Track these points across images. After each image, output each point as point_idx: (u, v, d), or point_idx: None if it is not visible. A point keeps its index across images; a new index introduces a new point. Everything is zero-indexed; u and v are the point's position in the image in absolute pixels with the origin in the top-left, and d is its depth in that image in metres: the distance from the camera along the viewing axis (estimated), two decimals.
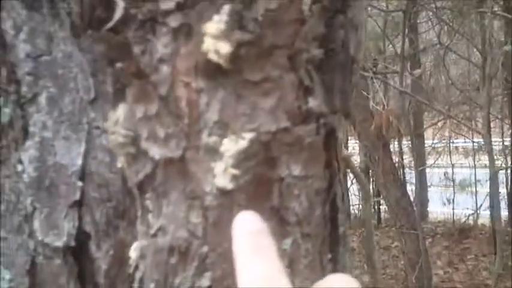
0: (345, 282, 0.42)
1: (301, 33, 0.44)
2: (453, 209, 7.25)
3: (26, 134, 0.55)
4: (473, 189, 7.15)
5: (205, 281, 0.47)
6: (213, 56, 0.41)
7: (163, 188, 0.46)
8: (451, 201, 7.21)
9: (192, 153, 0.44)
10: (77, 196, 0.54)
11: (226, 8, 0.41)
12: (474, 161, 7.15)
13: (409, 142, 5.88)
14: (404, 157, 6.32)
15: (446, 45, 4.31)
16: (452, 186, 7.24)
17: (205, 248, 0.46)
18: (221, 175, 0.44)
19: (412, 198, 4.48)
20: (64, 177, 0.54)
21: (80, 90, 0.54)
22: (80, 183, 0.54)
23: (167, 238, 0.47)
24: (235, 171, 0.44)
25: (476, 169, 7.11)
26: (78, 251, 0.55)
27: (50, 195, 0.54)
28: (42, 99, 0.54)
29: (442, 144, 7.09)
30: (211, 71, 0.43)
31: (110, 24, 0.43)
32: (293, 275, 0.49)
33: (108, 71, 0.51)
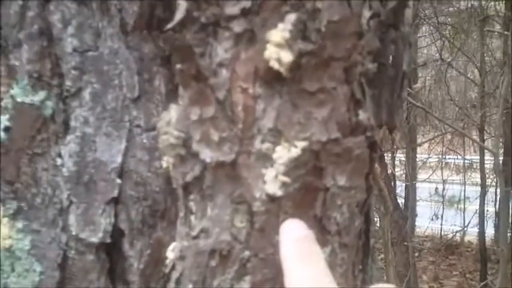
0: None
1: (358, 46, 0.44)
2: (441, 224, 7.28)
3: (67, 128, 0.55)
4: (462, 206, 7.18)
5: (244, 284, 0.47)
6: (274, 64, 0.42)
7: (210, 190, 0.46)
8: (440, 216, 7.24)
9: (244, 158, 0.45)
10: (115, 193, 0.54)
11: (292, 17, 0.41)
12: (464, 178, 7.19)
13: (402, 155, 5.91)
14: (396, 170, 6.35)
15: (449, 62, 4.34)
16: (442, 202, 7.27)
17: (247, 253, 0.47)
18: (271, 182, 0.44)
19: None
20: (103, 173, 0.54)
21: (123, 88, 0.54)
22: (118, 181, 0.54)
23: (209, 241, 0.47)
24: (285, 179, 0.44)
25: (466, 186, 7.15)
26: (110, 248, 0.55)
27: (87, 191, 0.54)
28: (86, 94, 0.54)
29: (435, 160, 7.12)
30: (270, 79, 0.43)
31: (171, 25, 0.43)
32: None
33: (158, 71, 0.51)
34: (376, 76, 0.47)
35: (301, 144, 0.44)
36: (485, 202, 5.59)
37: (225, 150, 0.45)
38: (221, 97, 0.44)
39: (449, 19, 5.39)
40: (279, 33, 0.41)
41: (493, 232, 6.58)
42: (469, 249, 7.00)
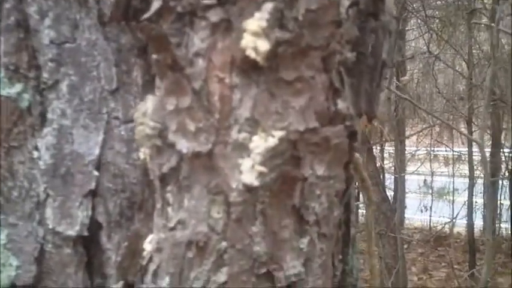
0: None
1: (336, 35, 0.44)
2: (430, 216, 7.32)
3: (44, 120, 0.54)
4: (451, 198, 7.22)
5: (221, 276, 0.47)
6: (251, 53, 0.41)
7: (187, 181, 0.46)
8: (429, 208, 7.28)
9: (221, 148, 0.44)
10: (92, 185, 0.54)
11: (269, 5, 0.41)
12: (453, 170, 7.22)
13: (390, 148, 5.92)
14: (384, 162, 6.37)
15: (436, 54, 4.34)
16: (431, 193, 7.31)
17: (224, 244, 0.46)
18: (248, 171, 0.44)
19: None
20: (80, 166, 0.54)
21: (101, 80, 0.53)
22: (96, 173, 0.54)
23: (186, 232, 0.47)
24: (262, 169, 0.44)
25: (455, 178, 7.19)
26: (88, 241, 0.55)
27: (64, 184, 0.54)
28: (63, 86, 0.54)
29: (424, 152, 7.14)
30: (247, 68, 0.42)
31: (148, 15, 0.43)
32: (306, 273, 0.49)
33: (135, 62, 0.51)
34: (355, 65, 0.47)
35: (279, 133, 0.44)
36: (474, 193, 5.61)
37: (201, 140, 0.44)
38: (197, 87, 0.43)
39: (437, 12, 5.40)
40: (256, 22, 0.41)
41: (482, 223, 6.62)
42: (458, 240, 7.04)
